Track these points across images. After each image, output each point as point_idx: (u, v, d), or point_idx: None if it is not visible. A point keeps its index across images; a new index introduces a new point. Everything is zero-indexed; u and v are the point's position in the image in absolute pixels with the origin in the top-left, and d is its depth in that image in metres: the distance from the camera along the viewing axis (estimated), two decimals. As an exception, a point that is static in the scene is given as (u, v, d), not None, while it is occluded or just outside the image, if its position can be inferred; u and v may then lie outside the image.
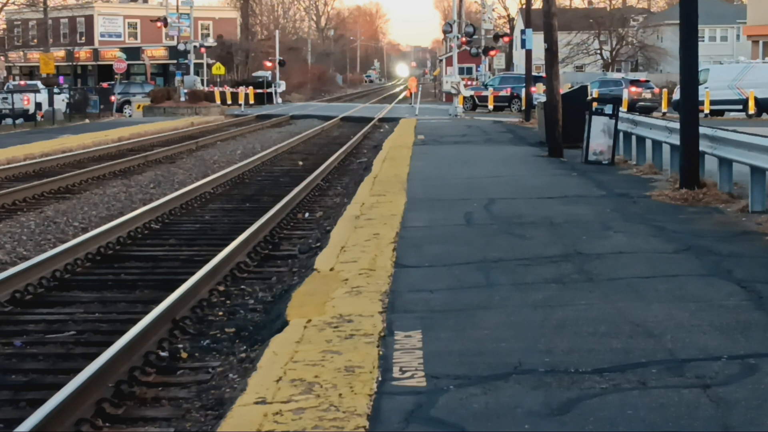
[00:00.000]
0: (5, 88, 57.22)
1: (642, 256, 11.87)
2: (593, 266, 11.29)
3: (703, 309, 9.17)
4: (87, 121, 51.02)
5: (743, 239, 13.08)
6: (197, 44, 67.82)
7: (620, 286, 10.25)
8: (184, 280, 10.89)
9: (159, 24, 65.93)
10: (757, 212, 15.08)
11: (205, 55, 72.93)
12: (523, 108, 47.87)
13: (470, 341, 8.19)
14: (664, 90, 52.64)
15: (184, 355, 8.99)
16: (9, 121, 47.14)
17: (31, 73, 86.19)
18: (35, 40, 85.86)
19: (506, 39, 68.97)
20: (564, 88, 34.46)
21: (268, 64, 79.69)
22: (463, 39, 54.57)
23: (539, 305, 9.42)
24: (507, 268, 11.23)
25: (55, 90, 55.68)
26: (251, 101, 69.43)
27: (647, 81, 58.06)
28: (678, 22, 17.62)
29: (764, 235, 13.20)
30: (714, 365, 7.47)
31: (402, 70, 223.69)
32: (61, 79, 74.93)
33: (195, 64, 66.52)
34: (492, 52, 67.08)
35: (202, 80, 70.16)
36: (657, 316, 8.93)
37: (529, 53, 45.57)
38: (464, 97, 55.64)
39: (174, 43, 70.59)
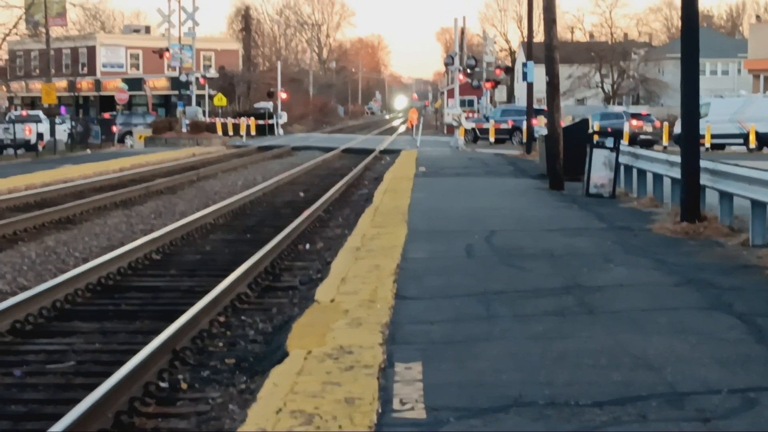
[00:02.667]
0: (7, 118, 57.33)
1: (643, 289, 11.88)
2: (594, 298, 11.28)
3: (703, 342, 9.16)
4: (88, 151, 51.11)
5: (744, 273, 13.08)
6: (199, 75, 68.05)
7: (621, 318, 10.24)
8: (185, 311, 10.88)
9: (163, 54, 66.10)
10: (757, 246, 15.08)
11: (206, 86, 73.16)
12: (525, 141, 47.89)
13: (471, 373, 8.18)
14: (665, 123, 52.73)
15: (184, 386, 8.97)
16: (11, 151, 47.19)
17: (33, 103, 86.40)
18: (37, 71, 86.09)
19: (498, 72, 69.15)
20: (565, 121, 34.54)
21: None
22: (464, 74, 54.81)
23: (540, 337, 9.42)
24: (507, 300, 11.23)
25: (57, 120, 55.79)
26: (252, 132, 69.46)
27: (648, 114, 58.26)
28: (679, 55, 17.69)
29: (765, 269, 13.19)
30: (714, 399, 7.45)
31: (401, 102, 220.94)
32: (62, 109, 75.15)
33: (197, 95, 66.73)
34: (487, 85, 67.28)
35: (204, 111, 70.32)
36: (657, 348, 8.92)
37: (530, 86, 45.70)
38: (465, 130, 55.74)
39: (176, 74, 70.83)
